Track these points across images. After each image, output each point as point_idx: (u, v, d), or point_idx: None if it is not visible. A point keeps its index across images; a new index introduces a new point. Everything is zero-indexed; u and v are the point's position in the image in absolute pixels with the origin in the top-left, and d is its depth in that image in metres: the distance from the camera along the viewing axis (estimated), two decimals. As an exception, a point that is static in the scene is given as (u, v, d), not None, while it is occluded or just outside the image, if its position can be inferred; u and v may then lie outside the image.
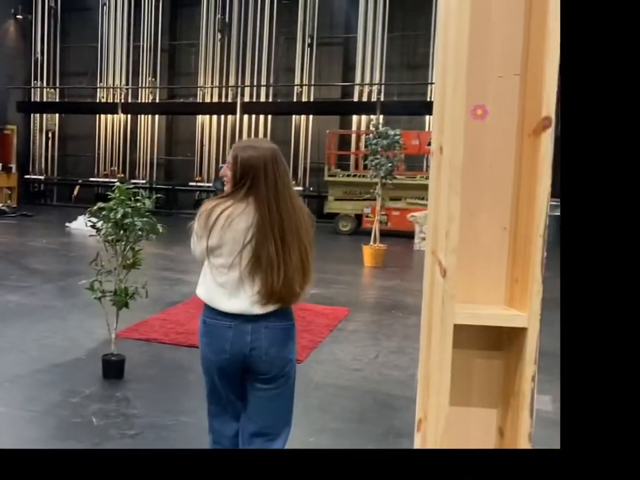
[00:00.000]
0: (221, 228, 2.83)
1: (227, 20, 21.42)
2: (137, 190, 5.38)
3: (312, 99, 20.93)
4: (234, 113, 21.06)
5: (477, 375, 1.81)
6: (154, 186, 21.79)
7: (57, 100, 24.07)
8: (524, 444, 1.73)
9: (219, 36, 21.50)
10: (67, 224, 16.29)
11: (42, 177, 23.96)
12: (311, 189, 20.67)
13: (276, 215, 2.82)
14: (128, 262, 5.32)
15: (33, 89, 24.06)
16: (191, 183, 21.91)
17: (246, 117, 21.16)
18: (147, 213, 5.26)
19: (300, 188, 20.50)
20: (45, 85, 23.90)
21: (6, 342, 6.23)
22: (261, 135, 20.92)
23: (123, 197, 5.19)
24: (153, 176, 22.70)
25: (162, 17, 22.40)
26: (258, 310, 2.86)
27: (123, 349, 5.61)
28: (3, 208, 19.30)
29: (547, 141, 1.61)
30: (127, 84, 22.77)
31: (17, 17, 22.92)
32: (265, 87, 21.20)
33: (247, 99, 21.21)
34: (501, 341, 1.79)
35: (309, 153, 20.88)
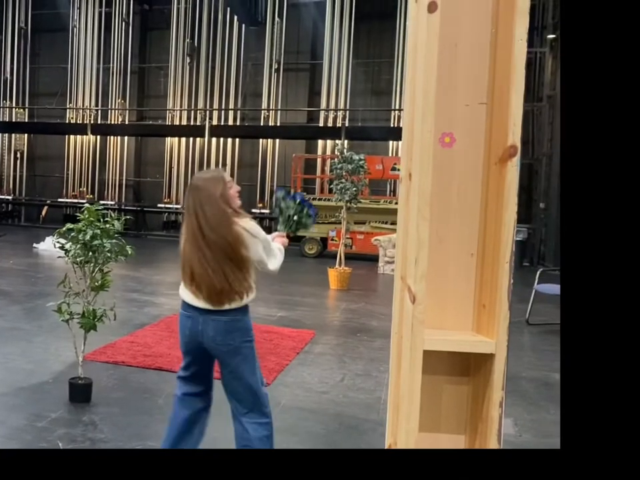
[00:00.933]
0: None
1: (195, 44, 21.42)
2: (106, 211, 5.30)
3: (279, 123, 20.97)
4: (202, 135, 21.02)
5: (445, 401, 1.79)
6: (123, 207, 21.60)
7: (26, 120, 23.80)
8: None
9: (187, 60, 21.49)
10: (35, 245, 16.04)
11: (10, 197, 23.61)
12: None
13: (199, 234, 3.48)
14: (96, 284, 5.24)
15: (1, 109, 23.76)
16: (159, 205, 21.76)
17: (214, 139, 21.13)
18: (116, 235, 5.19)
19: (266, 210, 20.48)
20: (14, 105, 23.62)
21: (-29, 365, 6.08)
22: (228, 158, 20.94)
23: (92, 218, 5.11)
24: (122, 197, 22.51)
25: (132, 40, 22.33)
26: (207, 306, 3.52)
27: (90, 372, 5.51)
28: (-30, 228, 18.95)
29: (513, 169, 1.60)
30: (97, 105, 22.61)
31: (-14, 37, 22.66)
32: (232, 111, 21.21)
33: (215, 122, 21.19)
34: (469, 367, 1.78)
35: (276, 176, 20.88)
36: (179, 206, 20.74)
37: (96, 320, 5.21)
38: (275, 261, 3.69)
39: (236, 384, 3.61)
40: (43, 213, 22.44)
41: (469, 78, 1.69)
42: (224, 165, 20.59)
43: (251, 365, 3.63)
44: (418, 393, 1.64)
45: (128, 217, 5.45)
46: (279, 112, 20.93)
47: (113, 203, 21.64)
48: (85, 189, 22.52)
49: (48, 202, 22.80)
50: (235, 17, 20.46)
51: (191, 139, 21.51)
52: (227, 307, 3.51)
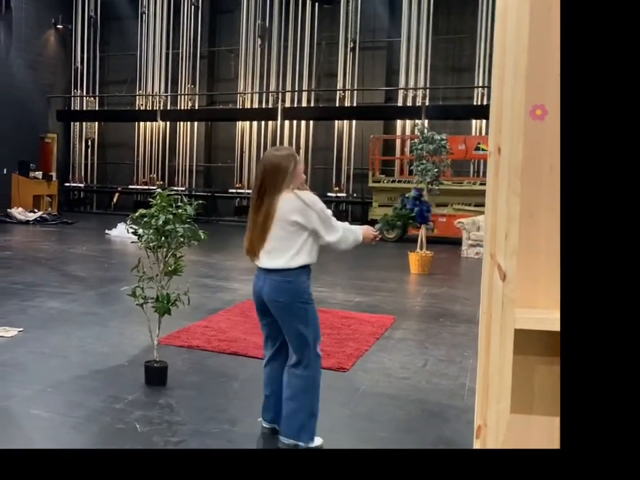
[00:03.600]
0: None
1: (267, 25, 21.55)
2: (178, 196, 5.41)
3: (355, 104, 20.92)
4: (274, 118, 21.16)
5: (537, 382, 1.78)
6: (193, 193, 21.98)
7: (97, 108, 24.46)
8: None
9: (259, 41, 21.64)
10: (107, 231, 16.50)
11: (82, 185, 24.35)
12: (355, 195, 20.67)
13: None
14: (169, 269, 5.35)
15: (72, 98, 24.49)
16: (230, 190, 22.04)
17: (287, 122, 21.23)
18: (189, 220, 5.29)
19: (343, 194, 20.52)
20: (84, 93, 24.32)
21: (48, 348, 6.30)
22: (302, 141, 21.02)
23: (164, 204, 5.22)
24: (193, 183, 22.91)
25: (201, 24, 22.65)
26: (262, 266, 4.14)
27: (165, 356, 5.63)
28: (44, 215, 19.64)
29: None
30: (166, 91, 23.04)
31: (57, 26, 23.38)
32: (306, 92, 21.26)
33: (287, 104, 21.29)
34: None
35: (352, 158, 20.86)
36: (250, 191, 20.94)
37: (170, 304, 5.32)
38: (335, 235, 4.06)
39: (287, 337, 4.14)
40: (114, 199, 23.04)
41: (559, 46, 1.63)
42: (297, 147, 20.71)
43: (302, 322, 4.07)
44: (509, 372, 1.65)
45: (200, 202, 5.54)
46: (355, 92, 20.89)
47: (183, 188, 22.04)
48: (155, 175, 23.01)
49: (119, 189, 23.41)
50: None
51: (263, 122, 21.67)
52: (275, 266, 4.03)
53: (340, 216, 20.54)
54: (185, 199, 5.48)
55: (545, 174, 1.70)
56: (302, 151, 20.57)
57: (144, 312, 5.30)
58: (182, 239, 5.24)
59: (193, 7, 22.66)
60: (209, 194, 22.32)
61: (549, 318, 1.66)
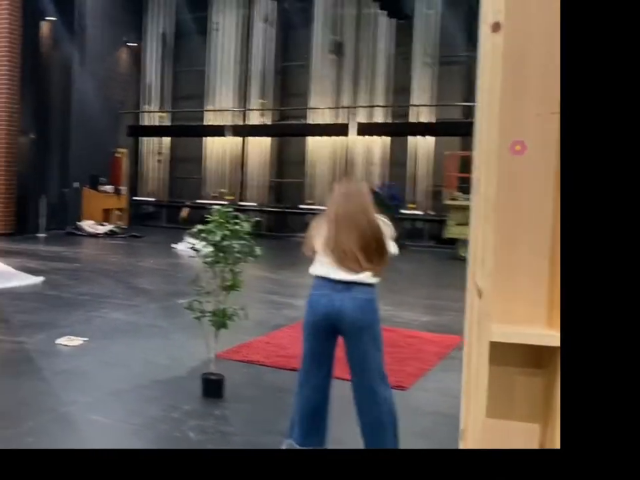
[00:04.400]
0: None
1: (339, 40, 21.83)
2: (235, 213, 5.65)
3: (431, 120, 20.95)
4: (347, 134, 21.35)
5: (518, 391, 2.01)
6: (263, 208, 22.32)
7: (167, 124, 25.18)
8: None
9: (331, 56, 21.93)
10: (173, 245, 16.95)
11: (151, 199, 25.03)
12: (430, 212, 20.68)
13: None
14: (227, 284, 5.58)
15: (143, 113, 25.27)
16: (301, 206, 22.31)
17: (360, 138, 21.39)
18: (246, 236, 5.51)
19: (418, 212, 20.55)
20: (154, 109, 25.06)
21: (111, 357, 6.62)
22: (376, 156, 21.11)
23: (221, 220, 5.47)
24: (263, 198, 23.28)
25: (273, 39, 23.09)
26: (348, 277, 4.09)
27: (224, 370, 5.85)
28: (114, 229, 20.28)
29: None
30: (236, 106, 23.53)
31: (128, 44, 24.26)
32: (380, 108, 21.40)
33: (361, 119, 21.47)
34: (541, 359, 1.99)
35: (428, 175, 20.88)
36: (321, 207, 21.14)
37: (226, 318, 5.54)
38: (394, 247, 4.26)
39: (356, 360, 4.07)
40: (184, 214, 23.59)
41: (538, 88, 1.89)
42: (371, 164, 20.84)
43: (378, 344, 4.07)
44: (485, 380, 1.88)
45: (258, 219, 5.79)
46: (431, 108, 20.93)
47: (254, 204, 22.42)
48: (225, 190, 23.48)
49: (188, 203, 23.97)
50: (382, 10, 20.71)
51: (335, 137, 21.89)
52: (359, 280, 4.01)
53: (416, 234, 20.62)
54: (243, 215, 5.72)
55: (525, 203, 1.93)
56: (376, 167, 20.71)
57: (201, 325, 5.53)
58: (238, 255, 5.47)
59: (264, 22, 23.14)
60: (280, 209, 22.64)
61: (521, 332, 1.91)
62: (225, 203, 21.60)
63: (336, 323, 4.04)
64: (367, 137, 21.41)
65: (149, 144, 25.27)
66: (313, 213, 21.78)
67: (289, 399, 5.68)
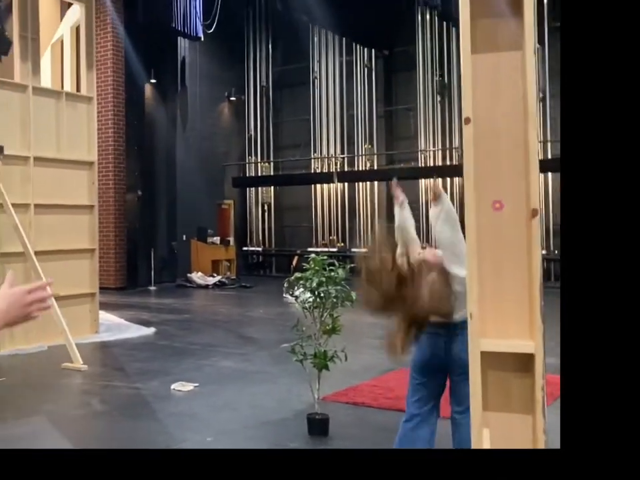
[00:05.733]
0: None
1: (445, 80, 22.25)
2: (331, 260, 6.16)
3: (549, 156, 20.96)
4: (460, 175, 21.41)
5: (514, 390, 2.63)
6: (376, 253, 22.61)
7: (271, 173, 26.12)
8: (541, 437, 2.54)
9: (438, 98, 22.35)
10: (284, 295, 17.56)
11: (260, 249, 25.88)
12: (556, 252, 20.60)
13: None
14: (327, 327, 6.06)
15: (247, 164, 26.32)
16: (414, 250, 22.47)
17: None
18: (342, 281, 5.99)
19: (544, 252, 20.48)
20: (258, 159, 26.07)
21: (220, 401, 7.19)
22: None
23: (317, 268, 5.98)
24: (374, 243, 23.53)
25: (376, 84, 23.73)
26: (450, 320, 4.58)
27: (330, 411, 6.33)
28: (223, 280, 21.17)
29: (537, 224, 2.52)
30: (342, 152, 24.18)
31: (231, 98, 25.52)
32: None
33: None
34: (528, 365, 2.60)
35: (551, 214, 20.82)
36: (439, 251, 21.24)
37: (327, 360, 6.00)
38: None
39: (460, 391, 4.52)
40: (294, 262, 24.27)
41: (510, 160, 2.57)
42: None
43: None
44: (479, 383, 2.51)
45: (352, 265, 6.23)
46: (548, 143, 20.97)
47: (364, 250, 22.72)
48: (334, 237, 24.06)
49: (297, 252, 24.64)
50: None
51: (448, 179, 22.12)
52: (460, 319, 4.39)
53: (543, 274, 20.40)
54: (338, 262, 6.22)
55: (507, 248, 2.58)
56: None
57: (303, 367, 6.01)
58: (335, 300, 5.95)
59: (366, 68, 23.83)
60: (387, 255, 22.86)
61: (504, 343, 2.56)
62: (335, 250, 22.23)
63: (444, 362, 4.66)
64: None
65: (255, 194, 26.22)
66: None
67: (394, 436, 6.04)
